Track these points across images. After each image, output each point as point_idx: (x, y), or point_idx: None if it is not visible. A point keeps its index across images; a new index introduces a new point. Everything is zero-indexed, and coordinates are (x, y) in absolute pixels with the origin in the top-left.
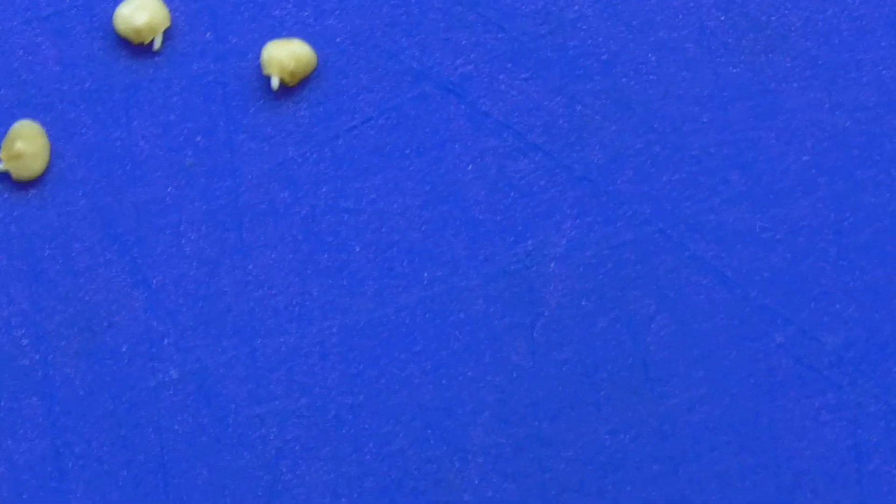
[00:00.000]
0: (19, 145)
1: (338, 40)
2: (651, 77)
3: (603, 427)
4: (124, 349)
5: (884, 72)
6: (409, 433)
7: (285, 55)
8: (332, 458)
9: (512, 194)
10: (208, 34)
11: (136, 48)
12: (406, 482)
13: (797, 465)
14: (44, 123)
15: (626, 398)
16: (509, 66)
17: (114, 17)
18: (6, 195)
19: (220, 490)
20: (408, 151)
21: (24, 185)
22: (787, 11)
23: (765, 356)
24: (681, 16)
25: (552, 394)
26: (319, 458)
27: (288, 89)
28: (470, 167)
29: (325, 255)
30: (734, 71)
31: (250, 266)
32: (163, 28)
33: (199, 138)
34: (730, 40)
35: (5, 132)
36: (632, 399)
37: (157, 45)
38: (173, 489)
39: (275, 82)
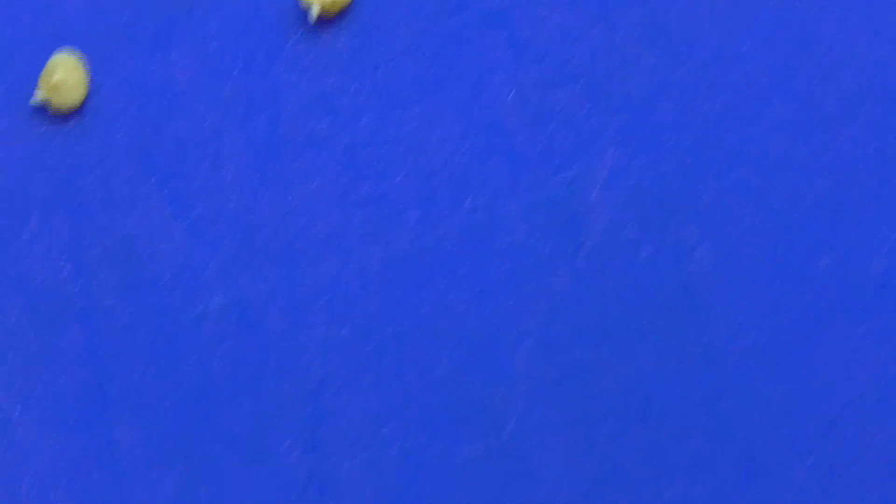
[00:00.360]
0: (58, 76)
1: None
2: (691, 5)
3: (646, 356)
4: (165, 280)
5: None
6: (451, 362)
7: None
8: (374, 387)
9: (553, 123)
10: None
11: None
12: (448, 411)
13: (843, 394)
14: (82, 55)
15: (669, 327)
16: None
17: None
18: (45, 127)
19: (261, 420)
20: (448, 81)
21: (63, 117)
22: None
23: (809, 283)
24: None
25: (595, 322)
26: (361, 388)
27: (327, 20)
28: (510, 96)
29: (366, 185)
30: (775, 0)
31: (290, 197)
32: None
33: (237, 70)
34: None
35: (44, 63)
36: (675, 328)
37: None
38: (214, 420)
39: (314, 13)
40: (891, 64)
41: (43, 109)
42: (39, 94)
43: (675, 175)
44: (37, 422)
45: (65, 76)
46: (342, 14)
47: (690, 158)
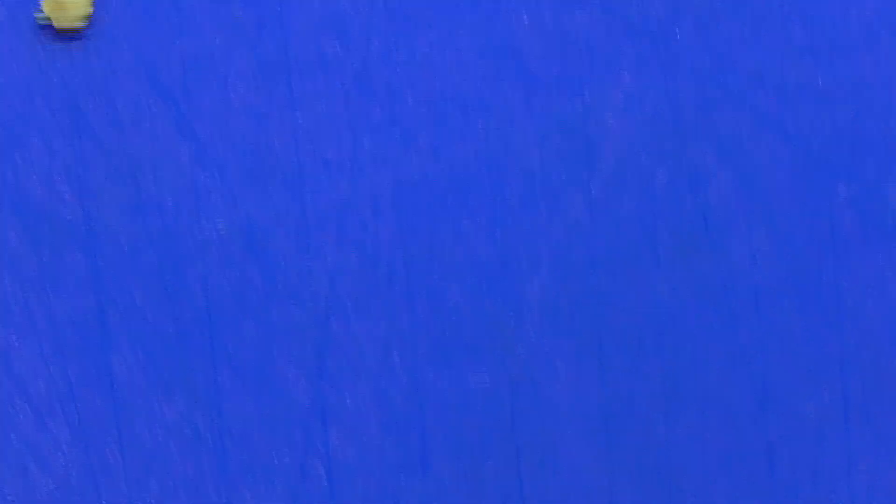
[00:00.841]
0: None
1: None
2: None
3: (662, 284)
4: (170, 203)
5: None
6: (463, 289)
7: None
8: (384, 314)
9: (568, 47)
10: None
11: None
12: (459, 338)
13: (862, 324)
14: None
15: (685, 255)
16: None
17: None
18: (49, 46)
19: (268, 346)
20: (462, 3)
21: (68, 36)
22: None
23: (828, 212)
24: None
25: (610, 250)
26: (371, 314)
27: None
28: (526, 19)
29: (377, 108)
30: None
31: (300, 119)
32: None
33: None
34: None
35: None
36: (692, 256)
37: None
38: (220, 346)
39: None
40: None
41: (48, 27)
42: (44, 12)
43: (692, 101)
44: (35, 350)
45: None
46: None
47: (708, 84)
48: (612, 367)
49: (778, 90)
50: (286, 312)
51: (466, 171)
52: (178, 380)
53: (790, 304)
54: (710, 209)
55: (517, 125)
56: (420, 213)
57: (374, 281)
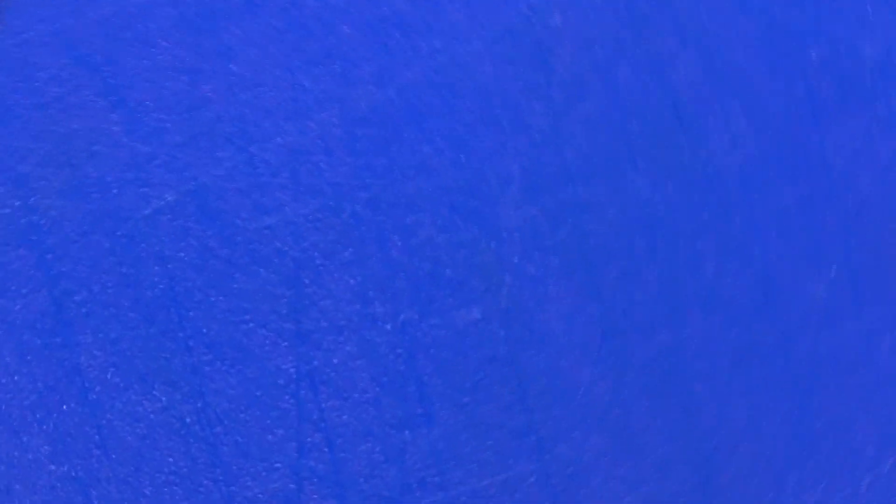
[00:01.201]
0: None
1: None
2: None
3: (641, 181)
4: (110, 179)
5: None
6: (435, 220)
7: None
8: (356, 260)
9: None
10: None
11: None
12: (438, 277)
13: (853, 191)
14: None
15: (661, 147)
16: None
17: None
18: None
19: (240, 314)
20: None
21: None
22: None
23: (802, 76)
24: None
25: (581, 154)
26: (342, 263)
27: None
28: None
29: (313, 43)
30: None
31: (234, 68)
32: None
33: None
34: None
35: None
36: (667, 147)
37: None
38: (189, 322)
39: None
40: None
41: None
42: None
43: None
44: None
45: None
46: None
47: None
48: (605, 278)
49: None
50: (253, 276)
51: (417, 96)
52: (152, 369)
53: (778, 179)
54: (680, 96)
55: (462, 38)
56: (376, 147)
57: (339, 228)
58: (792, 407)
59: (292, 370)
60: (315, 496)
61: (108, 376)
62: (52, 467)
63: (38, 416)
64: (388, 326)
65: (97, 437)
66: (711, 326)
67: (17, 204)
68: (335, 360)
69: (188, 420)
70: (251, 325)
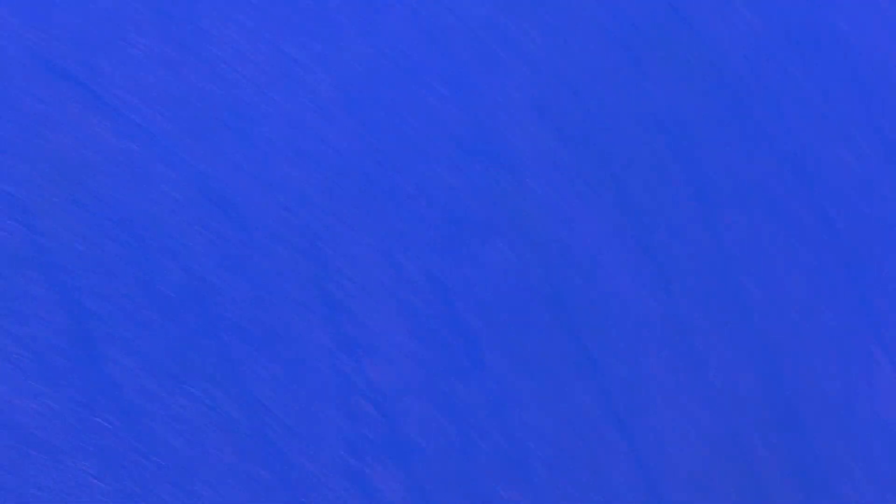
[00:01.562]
0: None
1: None
2: None
3: (655, 90)
4: (110, 186)
5: None
6: (452, 160)
7: None
8: (374, 218)
9: None
10: None
11: None
12: (462, 214)
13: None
14: None
15: (667, 51)
16: None
17: None
18: None
19: (266, 296)
20: None
21: None
22: None
23: None
24: None
25: (587, 72)
26: (361, 224)
27: None
28: None
29: (294, 11)
30: None
31: (216, 50)
32: None
33: None
34: None
35: None
36: (677, 55)
37: None
38: (215, 313)
39: None
40: None
41: None
42: None
43: None
44: (17, 385)
45: None
46: None
47: None
48: (631, 186)
49: None
50: (274, 256)
51: (411, 46)
52: (187, 368)
53: (778, 72)
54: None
55: None
56: (375, 104)
57: (352, 191)
58: None
59: (329, 342)
60: (371, 461)
61: (143, 383)
62: (97, 493)
63: (80, 436)
64: (420, 279)
65: (143, 447)
66: (742, 211)
67: (21, 229)
68: (371, 325)
69: (233, 414)
70: (279, 304)
